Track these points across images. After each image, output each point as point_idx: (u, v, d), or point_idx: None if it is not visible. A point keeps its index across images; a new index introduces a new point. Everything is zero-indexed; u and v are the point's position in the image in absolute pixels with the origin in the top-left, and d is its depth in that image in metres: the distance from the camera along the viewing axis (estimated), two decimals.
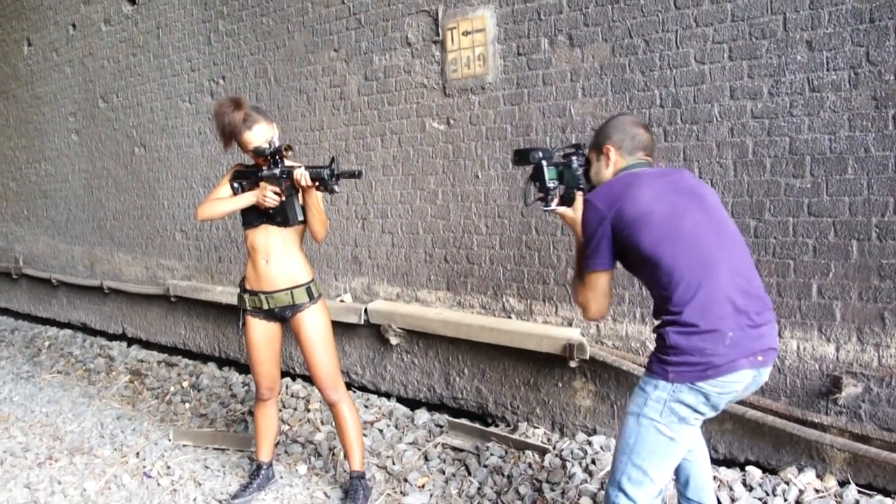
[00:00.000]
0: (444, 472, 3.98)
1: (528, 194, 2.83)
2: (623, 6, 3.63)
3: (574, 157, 2.67)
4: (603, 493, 3.48)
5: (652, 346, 3.68)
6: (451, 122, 4.42)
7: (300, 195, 3.36)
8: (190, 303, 6.48)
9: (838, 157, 3.13)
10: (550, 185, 2.67)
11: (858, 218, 3.11)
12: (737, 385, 2.22)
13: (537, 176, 2.70)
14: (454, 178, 4.47)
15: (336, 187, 3.22)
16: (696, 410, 2.24)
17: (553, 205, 2.68)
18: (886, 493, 3.18)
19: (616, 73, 3.70)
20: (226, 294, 5.93)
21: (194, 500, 3.91)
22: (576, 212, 2.59)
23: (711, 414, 2.29)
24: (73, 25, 7.39)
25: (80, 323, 8.15)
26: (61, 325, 8.51)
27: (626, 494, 2.30)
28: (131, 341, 7.44)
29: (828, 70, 3.12)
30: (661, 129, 3.57)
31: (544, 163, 2.67)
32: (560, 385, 4.12)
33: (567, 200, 2.66)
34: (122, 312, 7.45)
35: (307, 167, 3.23)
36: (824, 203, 3.19)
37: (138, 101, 6.76)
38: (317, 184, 3.24)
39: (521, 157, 2.76)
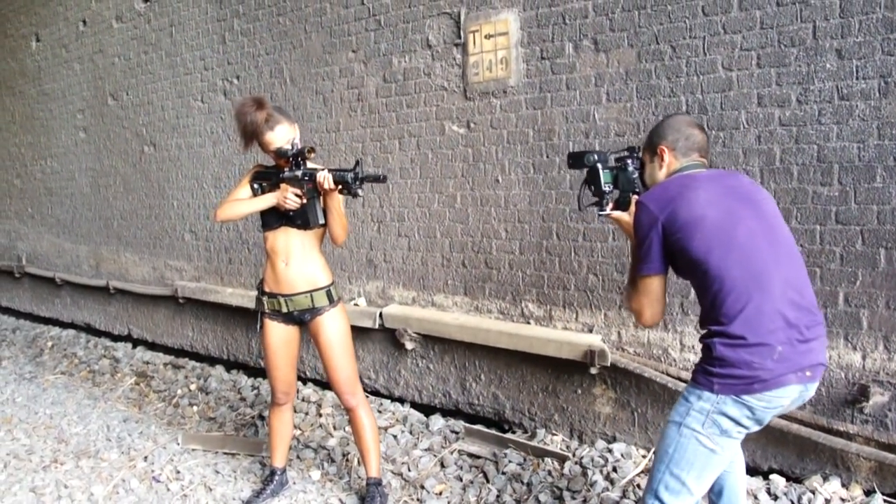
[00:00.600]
0: (461, 479, 3.99)
1: (582, 198, 2.81)
2: (650, 12, 3.67)
3: (629, 160, 2.67)
4: (626, 500, 3.51)
5: (676, 355, 3.75)
6: (472, 125, 4.46)
7: (321, 198, 3.36)
8: (198, 304, 6.48)
9: (867, 166, 3.16)
10: (605, 188, 2.66)
11: (887, 227, 3.14)
12: (783, 400, 2.22)
13: (592, 179, 2.69)
14: (473, 182, 4.50)
15: (360, 191, 3.23)
16: (739, 424, 2.24)
17: (608, 209, 2.67)
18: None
19: (642, 79, 3.74)
20: (236, 296, 5.94)
21: None
22: (631, 216, 2.58)
23: (755, 428, 2.28)
24: (84, 22, 7.42)
25: (83, 323, 8.15)
26: (64, 325, 8.52)
27: (662, 503, 2.32)
28: (136, 342, 7.44)
29: (857, 78, 3.16)
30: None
31: (599, 166, 2.67)
32: (579, 392, 4.15)
33: (622, 205, 2.65)
34: (127, 313, 7.45)
35: (331, 170, 3.24)
36: (852, 211, 3.22)
37: (149, 99, 6.79)
38: (339, 187, 3.24)
39: (576, 160, 2.77)
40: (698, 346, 3.65)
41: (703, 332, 2.34)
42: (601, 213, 2.69)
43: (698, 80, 3.57)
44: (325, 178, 3.20)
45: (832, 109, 3.23)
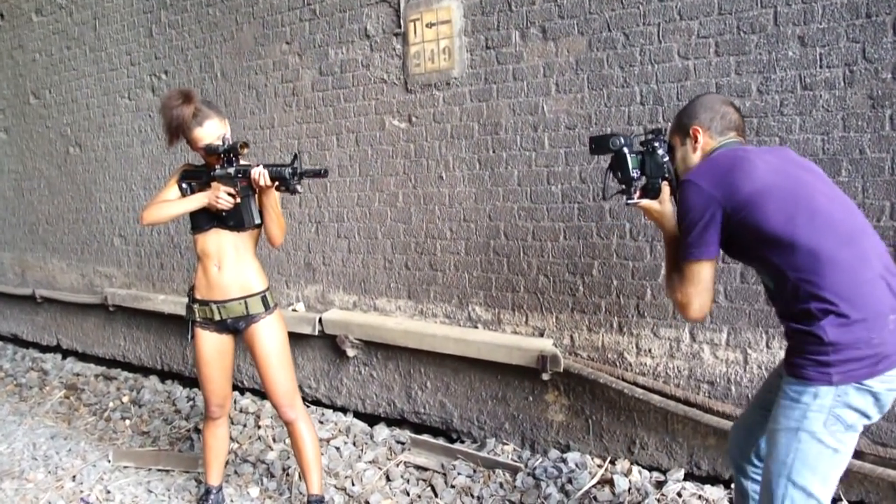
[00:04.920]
0: (408, 494, 3.70)
1: (607, 187, 2.50)
2: None
3: (657, 143, 2.35)
4: None
5: (632, 359, 3.48)
6: (413, 119, 4.11)
7: (256, 196, 3.07)
8: (130, 312, 6.04)
9: (832, 159, 2.92)
10: (633, 174, 2.34)
11: None
12: None
13: (619, 165, 2.36)
14: (416, 179, 4.16)
15: (299, 187, 2.93)
16: (864, 414, 1.95)
17: (636, 197, 2.36)
18: None
19: (593, 69, 3.44)
20: (168, 303, 5.54)
21: None
22: (662, 203, 2.31)
23: (877, 417, 1.99)
24: (1, 15, 6.81)
25: (9, 334, 7.60)
26: None
27: None
28: (66, 353, 6.95)
29: (821, 67, 2.91)
30: (640, 127, 3.32)
31: (626, 150, 2.34)
32: (531, 399, 3.85)
33: (651, 192, 2.34)
34: (56, 323, 6.94)
35: (266, 165, 2.94)
36: None
37: (73, 97, 6.27)
38: (277, 183, 2.95)
39: (599, 144, 2.42)
40: (656, 350, 3.40)
41: (794, 321, 2.02)
42: (629, 201, 2.36)
43: (653, 70, 3.28)
44: (261, 174, 2.91)
45: (795, 100, 2.97)
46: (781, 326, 2.18)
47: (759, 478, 2.43)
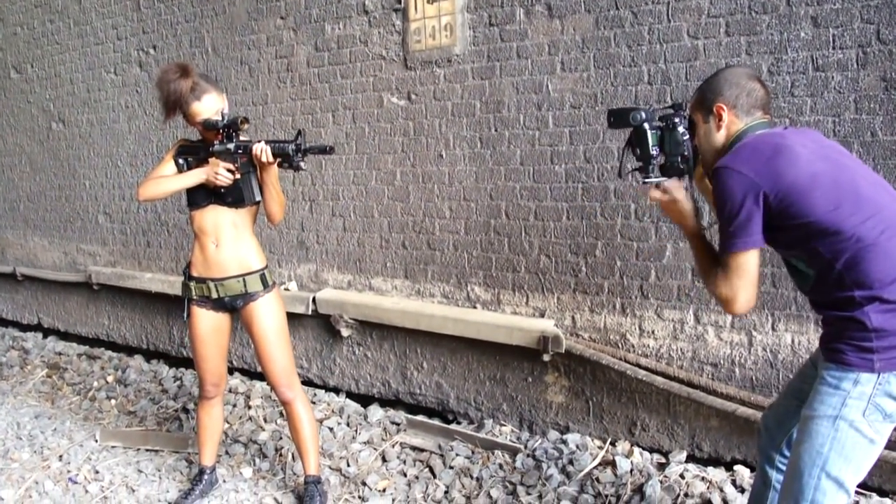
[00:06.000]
0: (405, 475, 3.64)
1: (623, 164, 2.38)
2: None
3: (677, 119, 2.22)
4: (584, 495, 3.18)
5: (635, 340, 3.44)
6: (413, 97, 4.02)
7: (257, 172, 3.00)
8: (114, 291, 5.89)
9: (842, 141, 2.86)
10: (653, 152, 2.22)
11: None
12: None
13: (639, 141, 2.23)
14: (415, 157, 4.06)
15: (303, 164, 2.86)
16: None
17: (653, 176, 2.23)
18: (883, 493, 2.97)
19: (600, 47, 3.37)
20: (155, 281, 5.40)
21: None
22: (678, 192, 2.19)
23: None
24: None
25: None
26: None
27: None
28: (47, 332, 6.79)
29: (834, 48, 2.85)
30: (647, 106, 3.25)
31: (646, 125, 2.22)
32: (530, 380, 3.79)
33: (669, 170, 2.22)
34: (37, 301, 6.76)
35: (268, 141, 2.86)
36: None
37: (56, 71, 6.07)
38: (279, 160, 2.87)
39: (619, 118, 2.29)
40: (659, 331, 3.37)
41: (838, 307, 1.95)
42: (647, 180, 2.24)
43: (661, 49, 3.22)
44: (263, 150, 2.84)
45: (806, 81, 2.92)
46: (813, 313, 2.10)
47: (785, 468, 2.39)
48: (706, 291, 3.21)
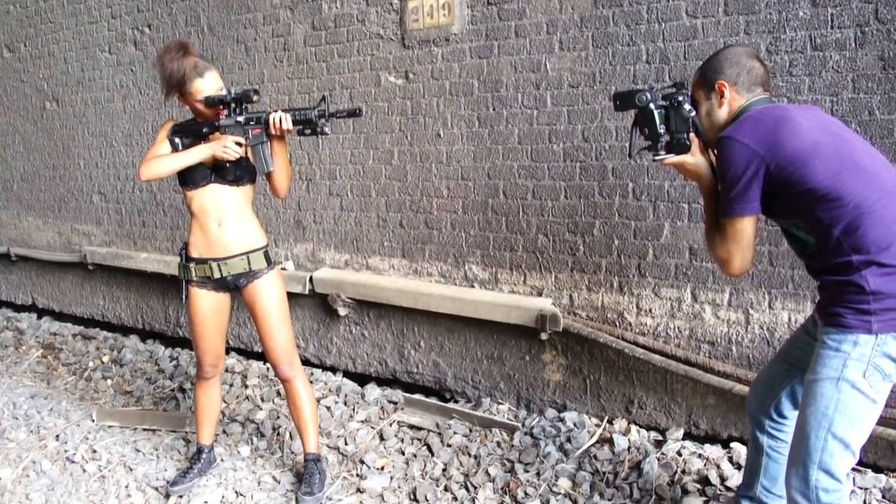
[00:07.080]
0: (403, 453, 3.65)
1: (633, 144, 2.43)
2: None
3: (681, 98, 2.27)
4: (582, 472, 3.21)
5: (632, 319, 3.46)
6: (411, 76, 4.00)
7: (270, 143, 2.99)
8: (109, 271, 5.87)
9: (840, 120, 2.85)
10: (661, 130, 2.28)
11: None
12: None
13: (646, 121, 2.30)
14: (412, 136, 4.05)
15: (327, 129, 2.87)
16: None
17: (663, 154, 2.29)
18: (878, 469, 3.01)
19: (598, 26, 3.36)
20: (151, 261, 5.38)
21: (126, 487, 3.48)
22: (695, 156, 2.25)
23: None
24: None
25: None
26: None
27: (831, 475, 1.97)
28: (42, 312, 6.76)
29: (832, 27, 2.85)
30: (646, 86, 3.26)
31: (652, 105, 2.28)
32: (527, 359, 3.81)
33: (679, 147, 2.27)
34: (31, 281, 6.73)
35: (286, 110, 2.88)
36: None
37: (49, 50, 6.01)
38: (300, 127, 2.88)
39: (625, 100, 2.35)
40: (656, 310, 3.38)
41: (835, 272, 2.01)
42: (656, 158, 2.30)
43: (660, 28, 3.21)
44: (283, 118, 2.86)
45: (804, 60, 2.92)
46: (810, 291, 2.15)
47: (776, 433, 2.42)
48: (703, 269, 3.23)
